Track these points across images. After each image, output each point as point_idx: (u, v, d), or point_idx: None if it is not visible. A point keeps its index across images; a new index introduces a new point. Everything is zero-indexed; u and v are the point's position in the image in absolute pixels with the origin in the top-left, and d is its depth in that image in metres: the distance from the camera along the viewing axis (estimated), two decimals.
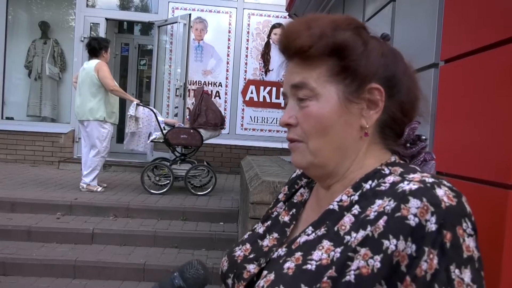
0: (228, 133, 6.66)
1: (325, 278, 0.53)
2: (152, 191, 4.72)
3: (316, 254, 0.57)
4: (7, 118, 6.67)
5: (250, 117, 6.70)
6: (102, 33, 6.55)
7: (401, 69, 0.64)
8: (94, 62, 4.56)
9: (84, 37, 6.57)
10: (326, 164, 0.64)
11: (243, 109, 6.75)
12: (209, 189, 4.86)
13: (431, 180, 0.54)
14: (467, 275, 0.50)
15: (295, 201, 0.74)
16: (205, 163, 5.07)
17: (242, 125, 6.72)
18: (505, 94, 0.96)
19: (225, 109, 6.70)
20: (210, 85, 6.71)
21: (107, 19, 6.69)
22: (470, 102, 1.19)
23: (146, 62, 7.98)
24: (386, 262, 0.51)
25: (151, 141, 4.78)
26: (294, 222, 0.70)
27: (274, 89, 6.72)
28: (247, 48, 6.71)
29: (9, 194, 4.24)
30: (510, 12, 0.98)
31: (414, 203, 0.52)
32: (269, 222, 0.73)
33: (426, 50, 1.46)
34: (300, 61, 0.63)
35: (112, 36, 7.42)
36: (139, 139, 4.82)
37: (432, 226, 0.50)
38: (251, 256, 0.68)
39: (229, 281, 0.68)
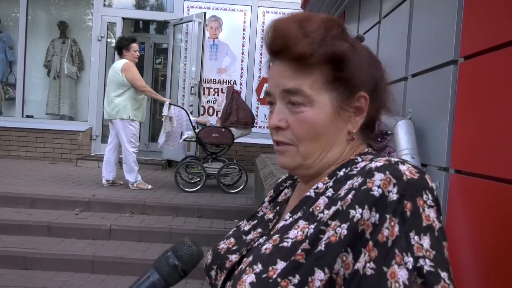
0: None
1: (299, 251, 0.56)
2: (186, 189, 4.81)
3: (292, 233, 0.60)
4: (27, 116, 6.83)
5: (265, 115, 6.70)
6: (118, 32, 6.64)
7: (381, 76, 0.69)
8: (121, 62, 4.65)
9: (101, 37, 6.68)
10: (314, 166, 0.68)
11: (257, 107, 6.76)
12: (240, 187, 4.92)
13: (396, 159, 0.59)
14: (426, 241, 0.53)
15: (279, 200, 0.79)
16: (235, 162, 5.13)
17: (256, 123, 6.71)
18: None
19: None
20: (224, 83, 6.73)
21: (123, 18, 6.78)
22: (490, 99, 1.17)
23: (161, 60, 8.06)
24: (352, 229, 0.55)
25: (184, 140, 4.89)
26: (277, 217, 0.74)
27: None
28: (261, 46, 6.69)
29: (30, 190, 4.35)
30: None
31: (378, 176, 0.56)
32: (255, 221, 0.77)
33: (445, 46, 1.44)
34: (293, 65, 0.64)
35: (128, 35, 7.50)
36: (173, 138, 4.93)
37: (393, 196, 0.54)
38: (234, 248, 0.71)
39: (213, 273, 0.71)
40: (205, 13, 6.13)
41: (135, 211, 4.17)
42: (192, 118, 4.92)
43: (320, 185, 0.66)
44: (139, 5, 7.05)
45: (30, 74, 6.88)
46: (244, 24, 6.71)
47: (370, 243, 0.54)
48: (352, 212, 0.56)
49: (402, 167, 0.57)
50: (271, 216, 0.75)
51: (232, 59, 6.75)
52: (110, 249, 3.53)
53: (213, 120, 5.92)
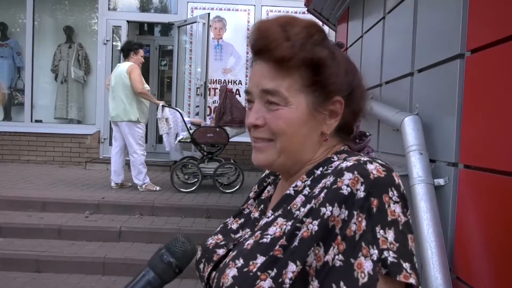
0: None
1: (277, 247, 0.61)
2: (181, 189, 4.82)
3: (271, 230, 0.64)
4: (36, 121, 6.91)
5: None
6: (124, 35, 6.69)
7: (358, 83, 0.72)
8: (126, 64, 4.69)
9: (107, 40, 6.73)
10: (287, 163, 0.71)
11: None
12: (236, 187, 4.93)
13: (365, 159, 0.63)
14: (390, 235, 0.58)
15: (263, 197, 0.81)
16: (231, 161, 5.13)
17: None
18: None
19: (244, 107, 6.74)
20: (230, 83, 6.74)
21: (128, 22, 6.82)
22: (499, 93, 1.16)
23: (167, 62, 8.09)
24: (322, 226, 0.59)
25: (179, 141, 4.90)
26: (262, 217, 0.76)
27: None
28: None
29: (41, 194, 4.41)
30: None
31: (347, 176, 0.60)
32: (242, 220, 0.80)
33: (451, 40, 1.43)
34: (273, 66, 0.67)
35: (133, 38, 7.54)
36: (171, 139, 4.97)
37: (361, 194, 0.59)
38: (222, 243, 0.75)
39: (201, 266, 0.74)
40: (209, 14, 6.14)
41: (144, 212, 4.19)
42: (186, 119, 4.94)
43: (299, 183, 0.69)
44: (144, 8, 7.09)
45: (38, 79, 6.95)
46: (248, 23, 6.71)
47: (339, 237, 0.58)
48: (323, 209, 0.60)
49: (370, 166, 0.60)
50: (257, 215, 0.78)
51: (237, 59, 6.75)
52: (120, 250, 3.56)
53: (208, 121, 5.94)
